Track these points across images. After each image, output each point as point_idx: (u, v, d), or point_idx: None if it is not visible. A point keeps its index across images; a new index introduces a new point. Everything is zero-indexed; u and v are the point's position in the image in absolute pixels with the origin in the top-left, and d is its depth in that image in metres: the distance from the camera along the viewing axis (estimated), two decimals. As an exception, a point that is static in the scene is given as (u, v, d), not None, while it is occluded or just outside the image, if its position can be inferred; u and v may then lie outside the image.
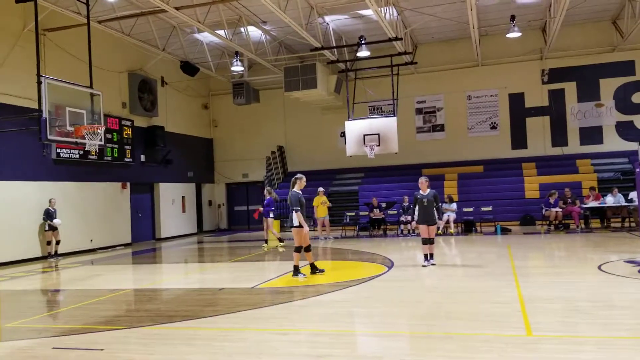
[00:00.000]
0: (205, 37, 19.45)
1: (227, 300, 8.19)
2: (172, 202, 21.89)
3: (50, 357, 5.54)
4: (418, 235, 17.19)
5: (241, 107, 23.83)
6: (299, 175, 10.07)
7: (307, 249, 9.93)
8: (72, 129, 11.70)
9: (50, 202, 15.46)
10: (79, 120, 11.99)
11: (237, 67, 20.50)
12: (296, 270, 9.85)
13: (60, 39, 15.96)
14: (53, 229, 15.30)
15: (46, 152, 15.25)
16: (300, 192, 9.91)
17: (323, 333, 6.04)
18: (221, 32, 17.53)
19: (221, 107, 25.15)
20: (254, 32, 19.17)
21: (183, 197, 22.73)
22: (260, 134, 24.52)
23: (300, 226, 9.67)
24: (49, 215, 15.31)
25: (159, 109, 20.98)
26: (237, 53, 19.87)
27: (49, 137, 11.25)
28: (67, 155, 16.35)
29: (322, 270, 10.07)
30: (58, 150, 16.01)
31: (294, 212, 9.70)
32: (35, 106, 11.65)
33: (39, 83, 11.12)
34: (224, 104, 24.78)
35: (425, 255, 10.52)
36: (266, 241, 15.48)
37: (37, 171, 15.44)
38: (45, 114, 11.07)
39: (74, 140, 11.90)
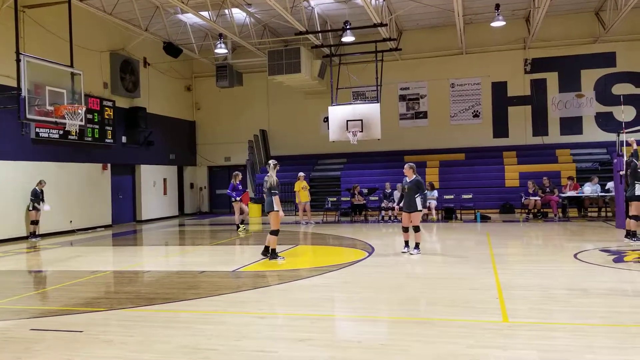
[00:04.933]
0: (189, 18, 19.19)
1: (208, 284, 8.20)
2: (154, 184, 21.74)
3: (28, 339, 5.51)
4: (399, 221, 17.39)
5: (224, 90, 23.65)
6: (276, 161, 10.17)
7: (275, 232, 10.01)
8: (52, 108, 11.56)
9: (40, 182, 15.18)
10: (59, 99, 11.84)
11: (221, 50, 20.29)
12: (274, 254, 9.92)
13: (41, 16, 15.61)
14: (37, 209, 15.08)
15: (25, 132, 15.01)
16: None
17: (303, 317, 6.10)
18: (205, 14, 17.31)
19: (204, 89, 24.93)
20: (238, 14, 18.96)
21: (164, 180, 22.58)
22: (243, 118, 24.39)
23: (277, 210, 9.82)
24: (36, 196, 15.06)
25: (141, 90, 20.72)
26: (220, 35, 19.66)
27: (28, 116, 11.12)
28: (46, 135, 16.10)
29: (282, 257, 10.07)
30: (37, 130, 15.75)
31: (273, 195, 9.77)
32: (14, 84, 11.48)
33: (18, 61, 10.94)
34: (207, 87, 24.56)
35: (406, 242, 10.59)
36: (239, 225, 15.62)
37: (16, 150, 15.18)
38: (24, 93, 10.91)
39: (53, 120, 11.77)
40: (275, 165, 10.07)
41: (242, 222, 15.74)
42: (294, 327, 5.74)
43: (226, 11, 18.23)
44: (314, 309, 6.51)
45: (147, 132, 20.95)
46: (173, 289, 7.93)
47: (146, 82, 21.26)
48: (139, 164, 20.99)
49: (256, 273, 9.08)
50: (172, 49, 20.29)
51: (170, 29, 19.50)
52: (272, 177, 9.93)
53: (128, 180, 20.73)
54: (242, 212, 15.81)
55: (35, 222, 15.19)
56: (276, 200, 9.79)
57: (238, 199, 15.51)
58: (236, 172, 16.07)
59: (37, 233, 15.23)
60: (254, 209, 20.87)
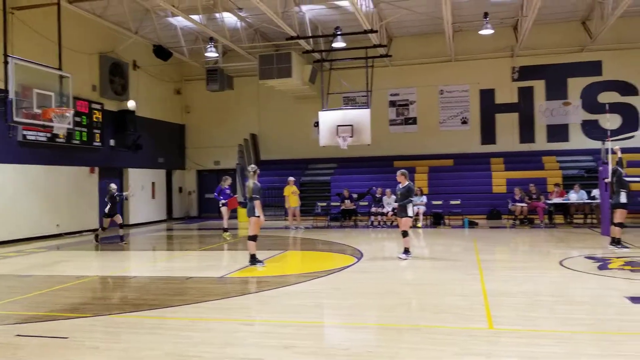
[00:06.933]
0: (180, 21, 19.16)
1: (195, 290, 8.19)
2: (142, 188, 21.62)
3: (13, 345, 5.47)
4: (389, 226, 17.47)
5: (214, 94, 23.57)
6: (256, 167, 10.21)
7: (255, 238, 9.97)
8: (39, 111, 11.50)
9: (112, 188, 14.68)
10: (47, 102, 11.79)
11: (211, 53, 20.26)
12: (254, 259, 9.92)
13: (29, 18, 15.49)
14: (112, 215, 14.43)
15: (12, 134, 14.89)
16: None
17: (290, 324, 6.11)
18: (196, 17, 17.30)
19: (194, 92, 24.86)
20: (229, 18, 18.97)
21: (153, 183, 22.47)
22: (233, 121, 24.36)
23: (258, 215, 9.81)
24: (114, 200, 14.49)
25: (130, 93, 20.62)
26: (211, 39, 19.63)
27: (15, 118, 11.07)
28: (33, 138, 15.96)
29: (261, 262, 9.99)
30: (24, 133, 15.59)
31: (256, 201, 9.76)
32: (1, 86, 11.39)
33: (6, 63, 10.89)
34: (197, 90, 24.48)
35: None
36: (226, 230, 15.58)
37: (2, 153, 15.04)
38: (11, 95, 10.86)
39: (41, 122, 11.70)
40: (255, 171, 10.08)
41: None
42: (280, 334, 5.74)
43: (217, 15, 18.23)
44: (302, 315, 6.52)
45: (135, 136, 20.84)
46: (160, 295, 7.91)
47: (135, 85, 21.17)
48: (127, 167, 20.88)
49: (244, 279, 9.07)
50: (162, 52, 20.22)
51: (161, 32, 19.46)
52: (251, 182, 9.93)
53: (116, 183, 20.49)
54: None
55: (104, 229, 14.69)
56: (257, 205, 9.78)
57: (224, 201, 15.51)
58: (225, 176, 16.07)
59: (121, 236, 14.69)
60: (243, 214, 20.82)
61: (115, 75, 19.77)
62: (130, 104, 14.42)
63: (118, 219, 14.60)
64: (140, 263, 11.91)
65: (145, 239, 16.61)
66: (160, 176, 23.26)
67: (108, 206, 14.47)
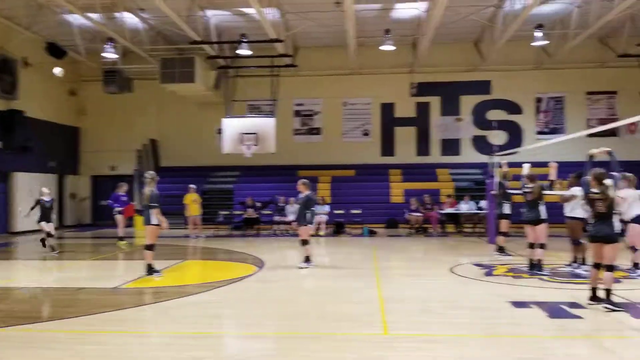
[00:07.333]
0: (77, 19, 18.17)
1: (87, 301, 7.80)
2: (30, 193, 20.18)
3: None
4: (291, 235, 17.61)
5: (112, 96, 22.49)
6: (154, 174, 9.89)
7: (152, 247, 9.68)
8: None
9: (43, 192, 13.49)
10: None
11: (110, 54, 19.35)
12: (150, 269, 9.64)
13: None
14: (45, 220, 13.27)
15: None
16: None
17: (187, 335, 5.99)
18: (94, 16, 16.53)
19: (90, 94, 23.62)
20: (130, 18, 18.28)
21: (42, 189, 21.06)
22: (132, 125, 23.44)
23: (158, 224, 9.53)
24: (44, 207, 13.39)
25: (20, 92, 19.24)
26: (110, 39, 18.79)
27: None
28: None
29: (158, 272, 9.69)
30: None
31: (153, 209, 9.49)
32: None
33: None
34: (94, 92, 23.24)
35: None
36: (122, 238, 15.03)
37: None
38: None
39: None
40: (153, 178, 9.77)
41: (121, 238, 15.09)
42: (177, 345, 5.61)
43: (117, 14, 17.52)
44: (199, 326, 6.42)
45: (24, 137, 19.43)
46: (48, 307, 7.46)
47: (25, 84, 19.76)
48: (13, 171, 19.43)
49: (140, 290, 8.75)
50: (56, 50, 19.03)
51: (55, 29, 18.35)
52: (149, 190, 9.62)
53: (0, 188, 19.10)
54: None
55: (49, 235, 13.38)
56: (155, 213, 9.49)
57: (119, 208, 14.95)
58: (121, 182, 15.50)
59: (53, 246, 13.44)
60: (140, 222, 20.07)
61: (3, 72, 18.42)
62: (57, 70, 13.37)
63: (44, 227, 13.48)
64: (27, 273, 11.13)
65: (33, 248, 15.52)
66: (51, 181, 21.84)
67: (38, 213, 13.43)
